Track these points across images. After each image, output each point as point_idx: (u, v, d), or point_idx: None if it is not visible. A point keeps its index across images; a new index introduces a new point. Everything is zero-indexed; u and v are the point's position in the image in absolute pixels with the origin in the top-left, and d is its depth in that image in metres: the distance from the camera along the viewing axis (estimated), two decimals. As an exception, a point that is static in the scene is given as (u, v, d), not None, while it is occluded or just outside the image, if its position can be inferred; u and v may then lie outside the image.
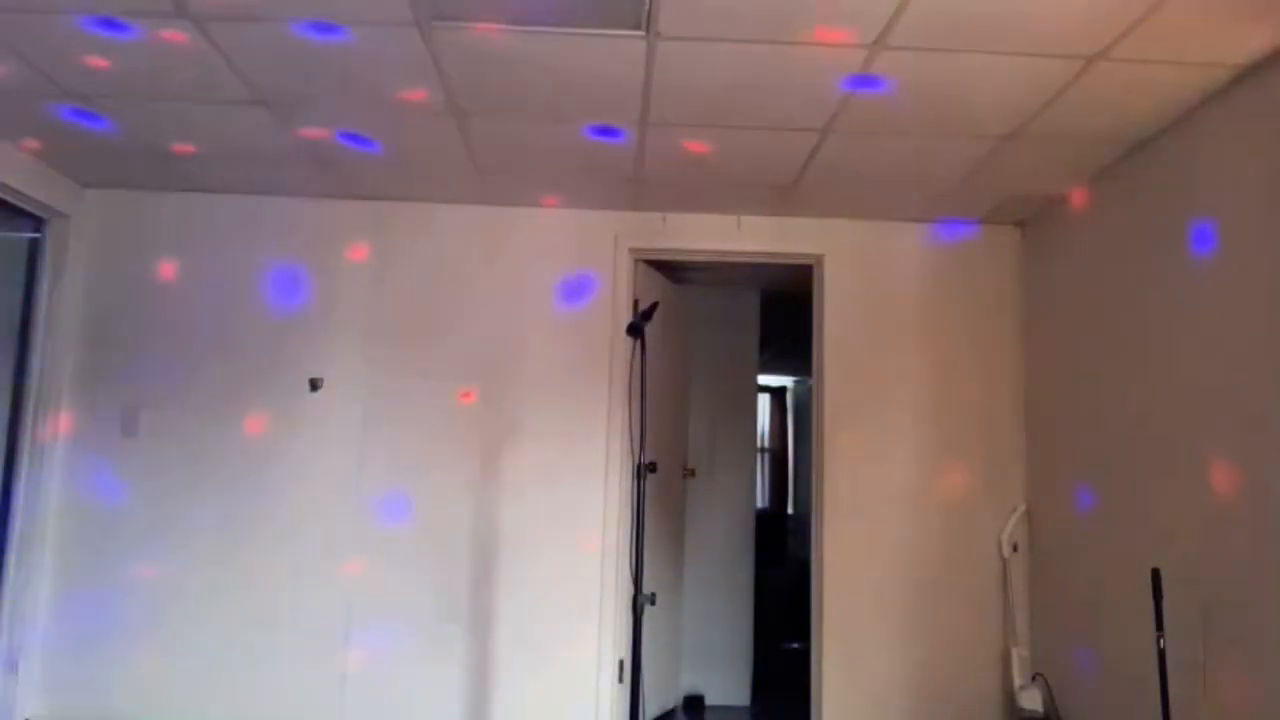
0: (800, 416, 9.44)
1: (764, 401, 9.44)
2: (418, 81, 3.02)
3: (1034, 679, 4.04)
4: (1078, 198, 3.86)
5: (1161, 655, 2.69)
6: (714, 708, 5.07)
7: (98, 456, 4.17)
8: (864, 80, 2.89)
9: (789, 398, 9.73)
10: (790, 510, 9.40)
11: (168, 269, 4.28)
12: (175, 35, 2.74)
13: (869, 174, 3.78)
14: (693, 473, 5.21)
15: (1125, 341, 3.43)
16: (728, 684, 5.12)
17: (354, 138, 3.56)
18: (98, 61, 2.93)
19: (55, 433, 4.15)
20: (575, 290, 4.30)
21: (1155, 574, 2.73)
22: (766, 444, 9.59)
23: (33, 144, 3.76)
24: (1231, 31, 2.52)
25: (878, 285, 4.38)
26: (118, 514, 4.14)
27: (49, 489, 4.12)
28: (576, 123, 3.34)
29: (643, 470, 3.28)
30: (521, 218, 4.37)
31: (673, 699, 4.95)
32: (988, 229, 4.41)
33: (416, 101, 3.18)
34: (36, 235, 4.18)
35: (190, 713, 4.05)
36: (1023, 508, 4.23)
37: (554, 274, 4.35)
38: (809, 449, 4.60)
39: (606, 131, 3.39)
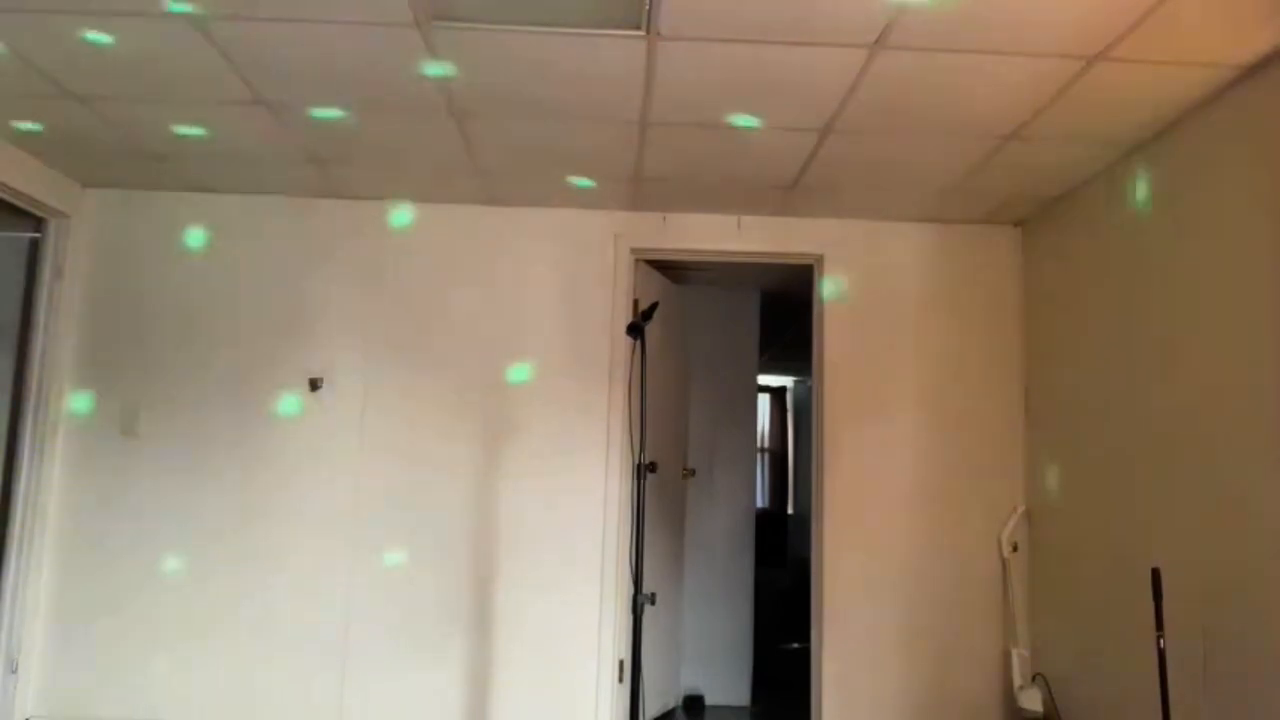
0: (800, 416, 9.44)
1: (764, 401, 9.44)
2: (417, 81, 3.02)
3: (1034, 679, 4.04)
4: (1077, 198, 3.86)
5: (1161, 655, 2.69)
6: (714, 708, 5.07)
7: (98, 456, 4.17)
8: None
9: (789, 398, 9.73)
10: (790, 510, 9.40)
11: (167, 269, 4.28)
12: (175, 35, 2.74)
13: (869, 174, 3.78)
14: (693, 473, 5.21)
15: (1125, 341, 3.43)
16: (728, 684, 5.12)
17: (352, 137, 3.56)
18: (98, 61, 2.93)
19: (55, 432, 4.15)
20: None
21: (1155, 574, 2.73)
22: (766, 444, 9.59)
23: (33, 144, 3.75)
24: (1232, 31, 2.52)
25: (878, 285, 4.38)
26: (117, 514, 4.14)
27: (49, 488, 4.12)
28: (576, 123, 3.34)
29: (643, 470, 3.28)
30: (521, 218, 4.37)
31: (673, 699, 4.95)
32: (988, 229, 4.41)
33: (416, 101, 3.18)
34: (36, 235, 4.18)
35: (190, 712, 4.05)
36: (1023, 508, 4.23)
37: (554, 274, 4.35)
38: (809, 449, 4.60)
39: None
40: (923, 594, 4.20)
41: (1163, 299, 3.19)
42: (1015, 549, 4.20)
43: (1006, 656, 4.14)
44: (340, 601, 4.13)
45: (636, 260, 4.46)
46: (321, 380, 4.23)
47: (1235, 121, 2.84)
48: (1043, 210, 4.16)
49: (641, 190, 4.09)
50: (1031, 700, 3.96)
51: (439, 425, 4.23)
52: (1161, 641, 2.69)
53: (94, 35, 2.75)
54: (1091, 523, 3.64)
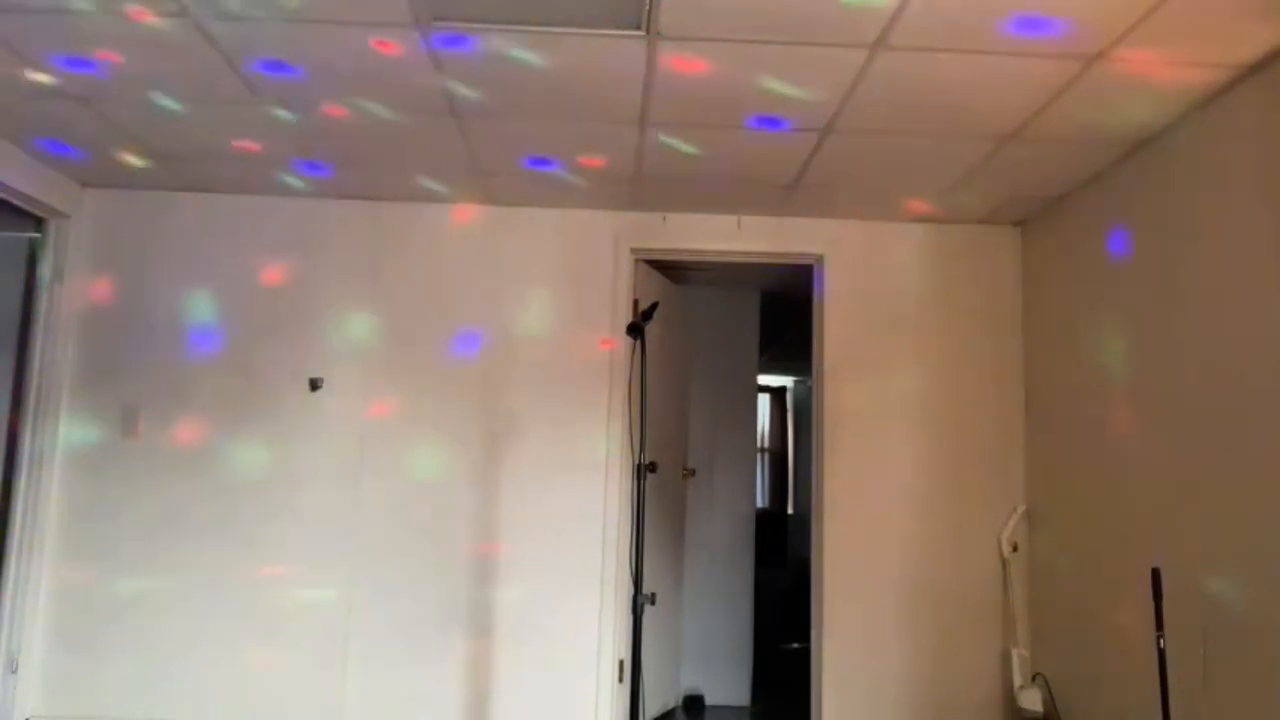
0: (800, 416, 9.44)
1: (764, 401, 9.44)
2: (418, 82, 3.02)
3: (1034, 679, 4.04)
4: (1077, 198, 3.86)
5: (1161, 655, 2.69)
6: (714, 708, 5.07)
7: (98, 457, 4.17)
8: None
9: (789, 398, 9.72)
10: (790, 510, 9.40)
11: (167, 269, 4.28)
12: (175, 35, 2.74)
13: (869, 174, 3.78)
14: (693, 473, 5.21)
15: (1126, 341, 3.43)
16: (728, 684, 5.13)
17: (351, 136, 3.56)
18: (97, 61, 2.93)
19: (55, 433, 4.15)
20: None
21: (1155, 574, 2.73)
22: (766, 444, 9.59)
23: (33, 143, 3.75)
24: (1232, 31, 2.52)
25: (878, 285, 4.38)
26: (118, 514, 4.14)
27: (49, 489, 4.12)
28: (577, 123, 3.34)
29: (643, 470, 3.28)
30: (521, 218, 4.37)
31: (673, 699, 4.95)
32: (988, 229, 4.41)
33: (415, 102, 3.18)
34: (36, 235, 4.18)
35: (191, 712, 4.05)
36: (1023, 508, 4.23)
37: (554, 274, 4.35)
38: (809, 449, 4.60)
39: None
40: (923, 594, 4.20)
41: (1163, 299, 3.19)
42: (1015, 549, 4.20)
43: (1006, 656, 4.14)
44: (341, 601, 4.13)
45: (636, 260, 4.46)
46: (321, 380, 4.23)
47: (1235, 121, 2.84)
48: (1043, 210, 4.16)
49: (641, 190, 4.09)
50: (1031, 700, 3.96)
51: (439, 425, 4.23)
52: (1161, 641, 2.69)
53: (94, 35, 2.75)
54: (1091, 523, 3.64)
